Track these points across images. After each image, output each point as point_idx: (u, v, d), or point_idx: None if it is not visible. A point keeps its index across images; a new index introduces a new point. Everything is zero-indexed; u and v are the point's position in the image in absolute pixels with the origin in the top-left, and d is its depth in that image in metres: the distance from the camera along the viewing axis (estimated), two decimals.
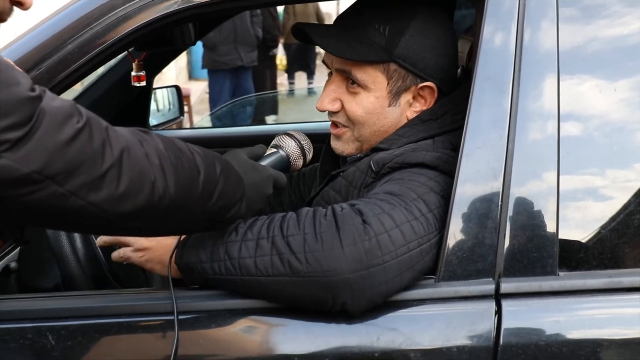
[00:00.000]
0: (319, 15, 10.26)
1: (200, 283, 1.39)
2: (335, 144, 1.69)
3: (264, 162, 1.48)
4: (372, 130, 1.62)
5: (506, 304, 1.35)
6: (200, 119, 8.42)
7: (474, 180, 1.37)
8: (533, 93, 1.39)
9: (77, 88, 2.82)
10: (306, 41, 1.66)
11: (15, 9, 1.13)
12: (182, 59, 11.59)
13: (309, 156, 1.61)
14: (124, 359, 1.37)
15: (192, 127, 6.68)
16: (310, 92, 9.47)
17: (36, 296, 1.48)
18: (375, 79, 1.58)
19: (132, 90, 2.58)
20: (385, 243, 1.29)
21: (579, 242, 1.40)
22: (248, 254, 1.32)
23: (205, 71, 8.48)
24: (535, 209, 1.37)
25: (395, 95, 1.59)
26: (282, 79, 11.38)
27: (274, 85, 9.70)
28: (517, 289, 1.35)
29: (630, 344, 1.36)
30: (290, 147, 1.57)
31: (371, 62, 1.57)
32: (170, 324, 1.34)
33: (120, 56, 2.59)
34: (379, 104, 1.59)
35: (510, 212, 1.36)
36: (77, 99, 2.76)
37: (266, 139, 1.61)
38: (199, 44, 7.01)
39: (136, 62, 2.26)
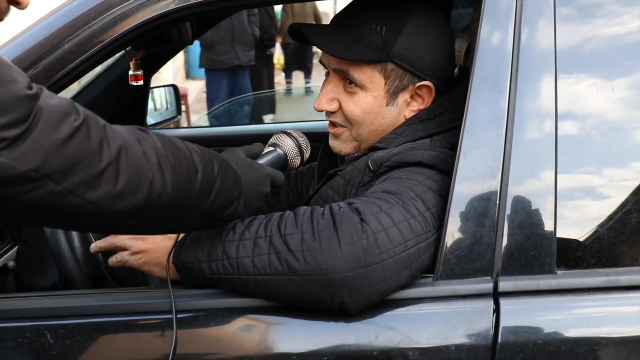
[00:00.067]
0: (316, 14, 10.26)
1: (198, 282, 1.39)
2: (333, 143, 1.69)
3: (261, 161, 1.48)
4: (370, 130, 1.62)
5: (504, 303, 1.35)
6: (197, 118, 8.41)
7: (471, 179, 1.37)
8: (530, 92, 1.39)
9: (75, 87, 2.82)
10: (303, 41, 1.66)
11: (12, 8, 1.13)
12: (179, 58, 11.58)
13: (307, 155, 1.61)
14: (122, 357, 1.37)
15: (189, 127, 6.67)
16: (308, 91, 9.48)
17: (34, 295, 1.48)
18: (372, 78, 1.58)
19: (129, 89, 2.58)
20: (383, 241, 1.29)
21: (576, 240, 1.40)
22: (246, 253, 1.32)
23: (202, 70, 8.48)
24: (533, 207, 1.37)
25: (392, 95, 1.59)
26: (279, 78, 11.39)
27: (271, 85, 9.70)
28: (515, 287, 1.36)
29: (627, 342, 1.37)
30: (287, 145, 1.57)
31: (368, 61, 1.56)
32: (168, 322, 1.34)
33: (117, 55, 2.59)
34: (377, 104, 1.59)
35: (508, 211, 1.36)
36: (75, 98, 2.75)
37: (264, 138, 1.61)
38: (197, 43, 7.01)
39: (133, 61, 2.26)
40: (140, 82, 2.30)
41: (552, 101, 1.39)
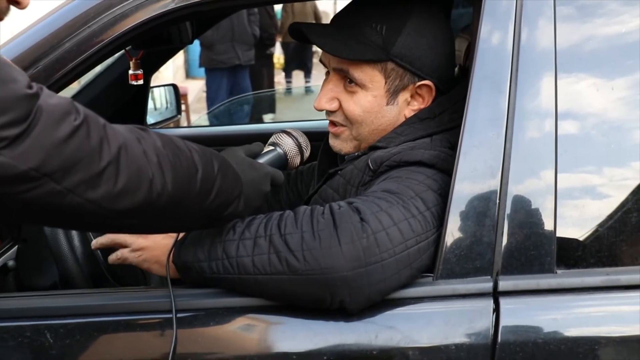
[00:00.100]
0: (316, 14, 10.27)
1: (198, 282, 1.39)
2: (333, 142, 1.69)
3: (261, 160, 1.48)
4: (370, 129, 1.62)
5: (504, 302, 1.35)
6: (197, 117, 8.41)
7: (471, 178, 1.37)
8: (530, 92, 1.39)
9: (75, 86, 2.82)
10: (303, 40, 1.66)
11: (12, 8, 1.13)
12: (179, 57, 11.58)
13: (307, 154, 1.61)
14: (122, 357, 1.37)
15: (189, 126, 6.67)
16: (308, 90, 9.48)
17: (34, 294, 1.48)
18: (372, 77, 1.58)
19: (129, 88, 2.58)
20: (383, 241, 1.29)
21: (576, 240, 1.40)
22: (246, 252, 1.32)
23: (202, 70, 8.48)
24: (533, 207, 1.37)
25: (393, 94, 1.59)
26: (279, 77, 11.39)
27: (271, 84, 9.70)
28: (515, 286, 1.36)
29: (627, 341, 1.37)
30: (287, 144, 1.57)
31: (368, 61, 1.56)
32: (168, 322, 1.33)
33: (117, 55, 2.59)
34: (377, 103, 1.59)
35: (508, 210, 1.36)
36: (75, 97, 2.75)
37: (263, 138, 1.61)
38: (196, 42, 7.02)
39: (133, 60, 2.26)
40: (140, 82, 2.30)
41: (552, 100, 1.39)
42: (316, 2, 10.63)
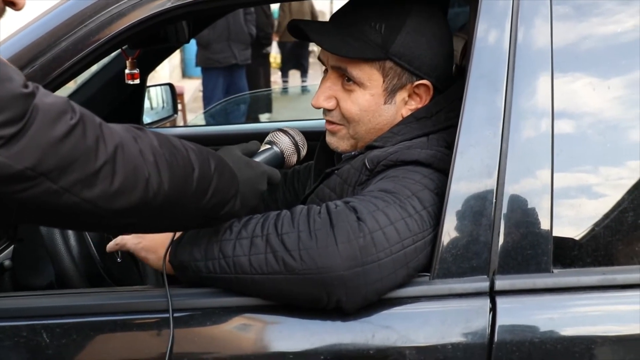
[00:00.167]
0: (313, 13, 10.27)
1: (194, 281, 1.39)
2: (330, 140, 1.69)
3: (257, 159, 1.48)
4: (367, 128, 1.62)
5: (501, 301, 1.35)
6: (194, 117, 8.41)
7: (468, 177, 1.37)
8: (527, 91, 1.40)
9: (71, 86, 2.82)
10: (302, 38, 1.66)
11: (8, 9, 1.13)
12: (175, 56, 11.56)
13: (303, 152, 1.61)
14: (119, 356, 1.37)
15: (185, 125, 6.67)
16: (304, 90, 9.49)
17: (30, 294, 1.48)
18: (371, 76, 1.58)
19: (125, 88, 2.58)
20: (379, 240, 1.29)
21: (573, 239, 1.40)
22: (242, 252, 1.32)
23: (198, 69, 8.47)
24: (529, 206, 1.37)
25: (390, 93, 1.59)
26: (275, 77, 11.38)
27: (267, 83, 9.69)
28: (511, 286, 1.36)
29: (624, 340, 1.37)
30: (284, 143, 1.57)
31: (367, 59, 1.56)
32: (165, 321, 1.33)
33: (114, 54, 2.59)
34: (375, 102, 1.59)
35: (504, 210, 1.36)
36: (71, 96, 2.75)
37: (260, 137, 1.61)
38: (193, 41, 7.00)
39: (130, 59, 2.26)
40: (137, 81, 2.30)
41: (549, 100, 1.39)
42: (313, 1, 10.63)
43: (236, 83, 8.02)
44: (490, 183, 1.37)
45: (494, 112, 1.39)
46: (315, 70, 10.52)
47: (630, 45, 1.43)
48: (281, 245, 1.29)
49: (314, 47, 11.84)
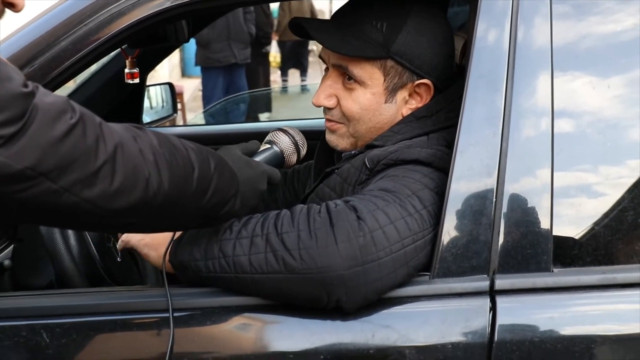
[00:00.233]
0: (313, 12, 10.27)
1: (194, 281, 1.39)
2: (329, 137, 1.69)
3: (257, 158, 1.48)
4: (368, 127, 1.62)
5: (501, 301, 1.35)
6: (193, 116, 8.41)
7: (468, 177, 1.37)
8: (527, 90, 1.39)
9: (71, 85, 2.81)
10: (303, 36, 1.66)
11: (8, 10, 1.12)
12: (175, 56, 11.56)
13: (303, 152, 1.61)
14: (118, 356, 1.37)
15: (185, 125, 6.67)
16: (304, 89, 9.49)
17: (30, 294, 1.48)
18: (372, 75, 1.58)
19: (125, 87, 2.58)
20: (379, 239, 1.29)
21: (573, 238, 1.40)
22: (242, 251, 1.32)
23: (198, 68, 8.47)
24: (529, 205, 1.37)
25: (391, 92, 1.59)
26: (275, 76, 11.38)
27: (267, 83, 9.70)
28: (511, 285, 1.36)
29: (624, 340, 1.37)
30: (284, 142, 1.57)
31: (368, 58, 1.56)
32: (165, 321, 1.33)
33: (113, 53, 2.59)
34: (375, 101, 1.59)
35: (504, 209, 1.36)
36: (71, 96, 2.75)
37: (260, 136, 1.60)
38: (192, 41, 7.00)
39: (129, 59, 2.26)
40: (136, 80, 2.29)
41: (549, 99, 1.39)
42: (312, 0, 10.63)
43: (236, 82, 8.02)
44: (490, 182, 1.37)
45: (493, 112, 1.39)
46: (315, 70, 10.51)
47: (630, 44, 1.43)
48: (281, 245, 1.29)
49: (313, 46, 11.85)
